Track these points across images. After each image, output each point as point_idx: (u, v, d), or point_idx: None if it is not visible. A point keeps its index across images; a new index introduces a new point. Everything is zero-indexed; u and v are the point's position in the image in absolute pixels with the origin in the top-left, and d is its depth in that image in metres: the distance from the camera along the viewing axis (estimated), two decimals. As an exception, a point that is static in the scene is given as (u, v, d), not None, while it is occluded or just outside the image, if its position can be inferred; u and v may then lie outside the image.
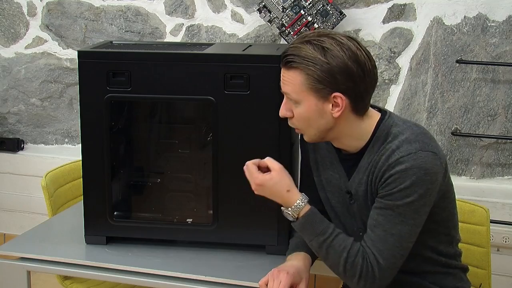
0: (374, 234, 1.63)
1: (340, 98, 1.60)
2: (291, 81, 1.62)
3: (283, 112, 1.69)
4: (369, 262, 1.62)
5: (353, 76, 1.59)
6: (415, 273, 1.75)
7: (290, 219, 1.69)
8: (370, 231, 1.64)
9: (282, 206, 1.69)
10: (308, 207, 1.68)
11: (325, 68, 1.58)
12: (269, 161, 1.70)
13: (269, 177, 1.68)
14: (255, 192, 1.71)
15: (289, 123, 1.71)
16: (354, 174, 1.72)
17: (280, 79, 1.66)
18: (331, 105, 1.62)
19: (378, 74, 2.66)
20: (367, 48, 1.67)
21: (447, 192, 1.72)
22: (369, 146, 1.69)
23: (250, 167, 1.70)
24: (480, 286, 2.04)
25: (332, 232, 1.66)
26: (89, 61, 1.87)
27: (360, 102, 1.64)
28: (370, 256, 1.62)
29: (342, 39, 1.60)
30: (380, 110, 1.74)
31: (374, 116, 1.71)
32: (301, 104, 1.63)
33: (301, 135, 1.90)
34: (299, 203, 1.67)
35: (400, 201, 1.59)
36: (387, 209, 1.61)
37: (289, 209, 1.67)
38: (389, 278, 1.64)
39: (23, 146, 3.25)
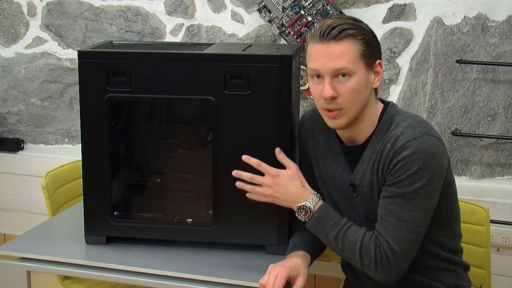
0: (387, 223, 1.65)
1: (380, 65, 1.67)
2: (346, 51, 1.62)
3: (331, 92, 1.63)
4: (382, 250, 1.65)
5: (379, 44, 1.69)
6: (416, 268, 1.75)
7: (304, 217, 1.72)
8: (382, 220, 1.66)
9: (292, 204, 1.73)
10: (321, 201, 1.74)
11: (371, 33, 1.65)
12: (285, 160, 1.76)
13: (286, 171, 1.74)
14: (265, 193, 1.74)
15: (332, 104, 1.66)
16: (358, 166, 1.74)
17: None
18: (372, 74, 1.67)
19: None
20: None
21: (450, 182, 1.74)
22: (372, 136, 1.71)
23: (262, 164, 1.75)
24: (480, 287, 2.04)
25: (345, 223, 1.71)
26: (89, 61, 1.87)
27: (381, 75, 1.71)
28: (384, 244, 1.65)
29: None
30: (383, 101, 1.78)
31: (378, 106, 1.74)
32: (354, 75, 1.63)
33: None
34: (313, 197, 1.73)
35: (410, 187, 1.62)
36: (398, 197, 1.63)
37: (306, 202, 1.71)
38: (406, 264, 1.67)
39: (23, 146, 3.25)
